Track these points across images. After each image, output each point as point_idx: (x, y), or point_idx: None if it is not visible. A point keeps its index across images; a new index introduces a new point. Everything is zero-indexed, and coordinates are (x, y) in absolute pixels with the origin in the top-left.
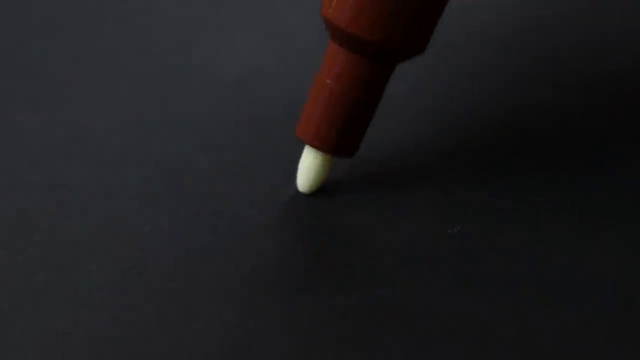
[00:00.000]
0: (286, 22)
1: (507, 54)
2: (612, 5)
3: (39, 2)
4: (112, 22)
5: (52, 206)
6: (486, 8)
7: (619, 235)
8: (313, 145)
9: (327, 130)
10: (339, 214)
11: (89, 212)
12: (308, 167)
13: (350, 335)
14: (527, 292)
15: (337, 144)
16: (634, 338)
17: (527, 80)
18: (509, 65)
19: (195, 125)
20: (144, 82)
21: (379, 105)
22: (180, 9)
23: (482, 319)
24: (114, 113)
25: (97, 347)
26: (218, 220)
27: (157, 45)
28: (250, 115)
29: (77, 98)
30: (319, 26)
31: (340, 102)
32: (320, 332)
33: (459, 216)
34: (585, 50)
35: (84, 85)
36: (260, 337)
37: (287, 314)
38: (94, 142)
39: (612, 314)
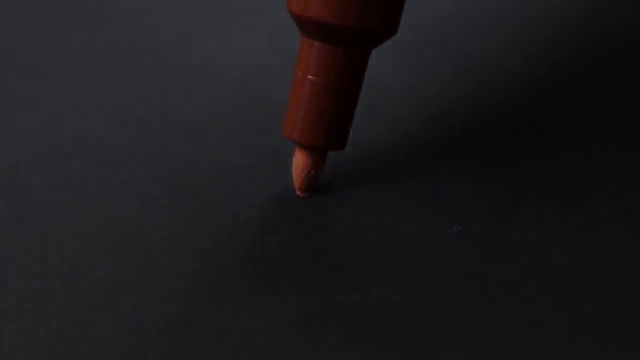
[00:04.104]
0: (287, 22)
1: (506, 51)
2: (612, 3)
3: (39, 2)
4: (113, 22)
5: (52, 206)
6: (485, 5)
7: (618, 233)
8: (303, 143)
9: (314, 125)
10: (339, 214)
11: (88, 212)
12: (299, 165)
13: (350, 334)
14: (527, 292)
15: (326, 137)
16: (633, 335)
17: (526, 77)
18: (509, 62)
19: (195, 124)
20: (144, 82)
21: (380, 103)
22: (181, 8)
23: (482, 319)
24: (114, 113)
25: (97, 347)
26: (218, 220)
27: (158, 44)
28: (250, 114)
29: (77, 98)
30: None
31: (321, 95)
32: (320, 331)
33: (459, 216)
34: (583, 48)
35: (83, 84)
36: (260, 336)
37: (287, 313)
38: (94, 141)
39: (612, 312)
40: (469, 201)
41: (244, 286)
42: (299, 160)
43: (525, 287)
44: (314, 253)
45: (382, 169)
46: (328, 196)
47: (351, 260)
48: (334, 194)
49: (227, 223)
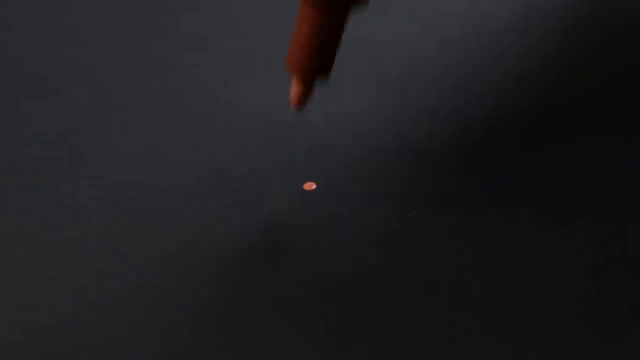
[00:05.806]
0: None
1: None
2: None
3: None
4: (163, 63)
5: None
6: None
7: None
8: (299, 72)
9: (308, 62)
10: (337, 204)
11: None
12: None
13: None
14: (463, 255)
15: (315, 69)
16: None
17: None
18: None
19: (240, 142)
20: (200, 114)
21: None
22: (224, 58)
23: (429, 273)
24: (164, 132)
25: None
26: (252, 206)
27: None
28: (267, 135)
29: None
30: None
31: (313, 42)
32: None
33: (419, 203)
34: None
35: (163, 123)
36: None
37: (301, 273)
38: (175, 157)
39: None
40: (431, 191)
41: (268, 244)
42: (294, 87)
43: (460, 250)
44: (316, 234)
45: (366, 170)
46: (326, 193)
47: (340, 233)
48: (332, 191)
49: (257, 208)
